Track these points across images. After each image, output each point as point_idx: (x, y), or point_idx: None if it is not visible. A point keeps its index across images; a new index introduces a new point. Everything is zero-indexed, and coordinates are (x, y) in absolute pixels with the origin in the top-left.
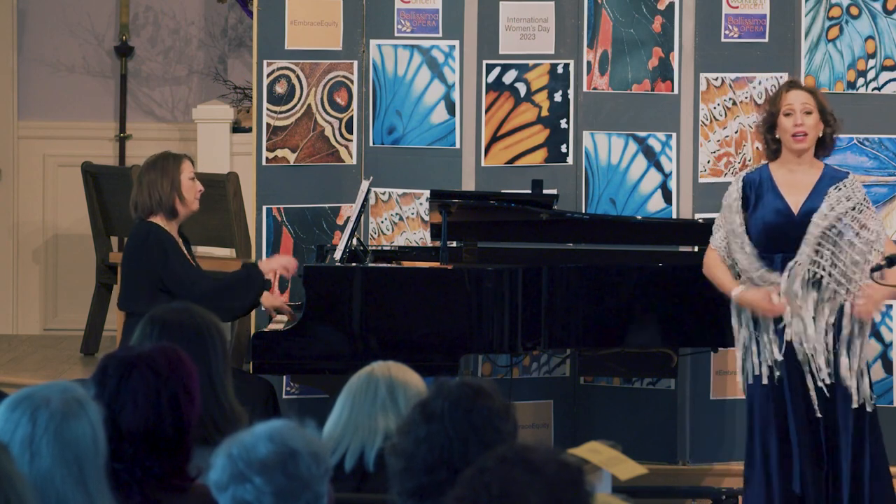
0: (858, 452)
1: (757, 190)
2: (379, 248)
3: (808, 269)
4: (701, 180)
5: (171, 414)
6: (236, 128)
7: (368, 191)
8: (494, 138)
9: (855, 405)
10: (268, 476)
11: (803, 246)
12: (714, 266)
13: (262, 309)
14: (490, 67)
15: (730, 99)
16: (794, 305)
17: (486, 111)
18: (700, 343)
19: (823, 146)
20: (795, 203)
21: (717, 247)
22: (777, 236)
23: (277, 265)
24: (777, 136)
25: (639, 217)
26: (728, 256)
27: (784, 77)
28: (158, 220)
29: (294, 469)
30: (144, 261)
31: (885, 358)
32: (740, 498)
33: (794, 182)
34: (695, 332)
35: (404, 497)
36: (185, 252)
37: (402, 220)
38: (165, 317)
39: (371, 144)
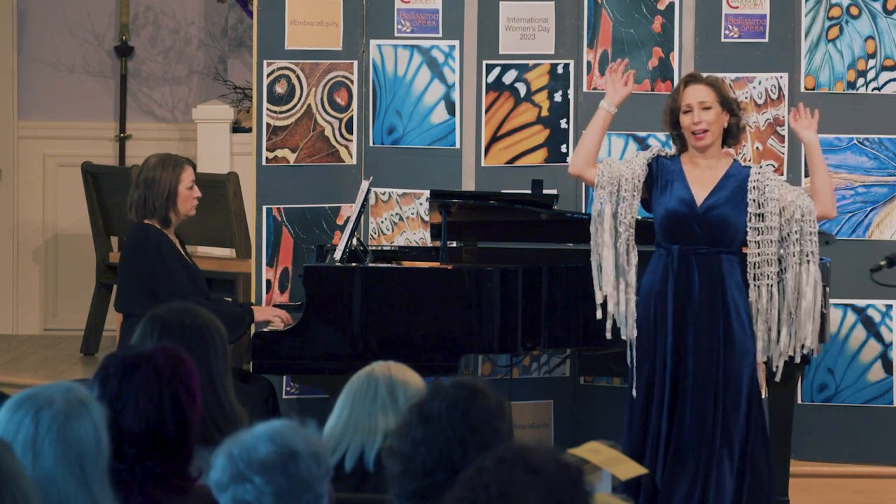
0: None
1: (667, 176)
2: (379, 248)
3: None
4: None
5: (172, 414)
6: (236, 128)
7: (368, 191)
8: (494, 138)
9: None
10: (268, 476)
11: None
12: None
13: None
14: (490, 67)
15: None
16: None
17: (486, 111)
18: None
19: (731, 135)
20: (700, 196)
21: (605, 160)
22: (677, 226)
23: (271, 315)
24: (681, 131)
25: (638, 216)
26: (609, 180)
27: (784, 77)
28: (155, 223)
29: (294, 470)
30: (143, 263)
31: (884, 358)
32: None
33: (700, 176)
34: None
35: (403, 499)
36: (185, 255)
37: (402, 220)
38: (166, 317)
39: (371, 144)
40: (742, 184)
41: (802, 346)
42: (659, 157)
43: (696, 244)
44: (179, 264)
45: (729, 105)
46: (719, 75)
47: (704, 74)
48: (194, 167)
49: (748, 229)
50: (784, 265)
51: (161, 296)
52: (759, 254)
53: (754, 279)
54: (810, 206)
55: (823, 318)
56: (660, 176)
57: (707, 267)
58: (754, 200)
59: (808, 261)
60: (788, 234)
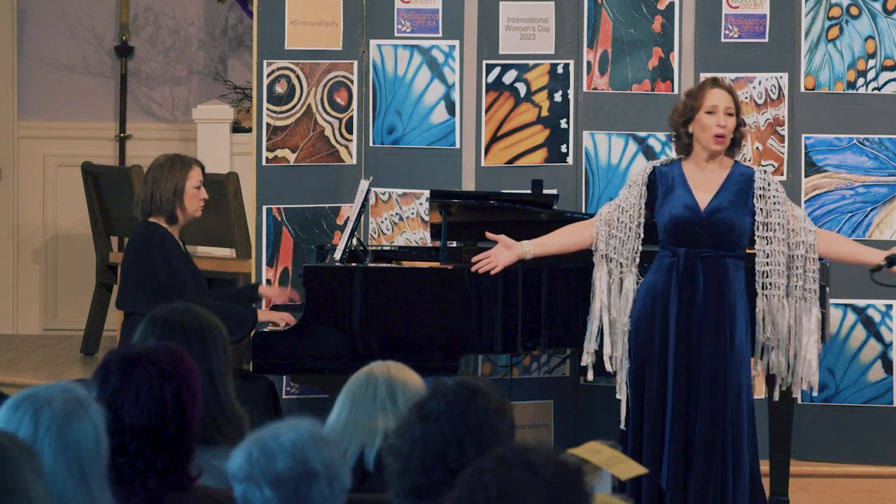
0: None
1: (667, 183)
2: (379, 248)
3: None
4: None
5: (174, 410)
6: (236, 128)
7: (368, 191)
8: (494, 138)
9: None
10: (279, 491)
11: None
12: (566, 228)
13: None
14: (490, 67)
15: None
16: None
17: (486, 111)
18: None
19: (734, 145)
20: (703, 200)
21: (601, 212)
22: (682, 231)
23: (277, 317)
24: (690, 130)
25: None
26: (609, 230)
27: (784, 77)
28: (160, 221)
29: (306, 491)
30: (147, 261)
31: (885, 358)
32: None
33: (703, 180)
34: None
35: (401, 497)
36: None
37: (402, 220)
38: (167, 316)
39: (371, 144)
40: (745, 185)
41: (802, 380)
42: (655, 168)
43: (701, 247)
44: (184, 263)
45: (739, 117)
46: (719, 75)
47: (725, 81)
48: (203, 169)
49: (756, 238)
50: (788, 289)
51: (166, 295)
52: (767, 262)
53: (763, 288)
54: (813, 242)
55: (823, 317)
56: (659, 185)
57: (712, 270)
58: (762, 209)
59: (811, 301)
60: (793, 258)
